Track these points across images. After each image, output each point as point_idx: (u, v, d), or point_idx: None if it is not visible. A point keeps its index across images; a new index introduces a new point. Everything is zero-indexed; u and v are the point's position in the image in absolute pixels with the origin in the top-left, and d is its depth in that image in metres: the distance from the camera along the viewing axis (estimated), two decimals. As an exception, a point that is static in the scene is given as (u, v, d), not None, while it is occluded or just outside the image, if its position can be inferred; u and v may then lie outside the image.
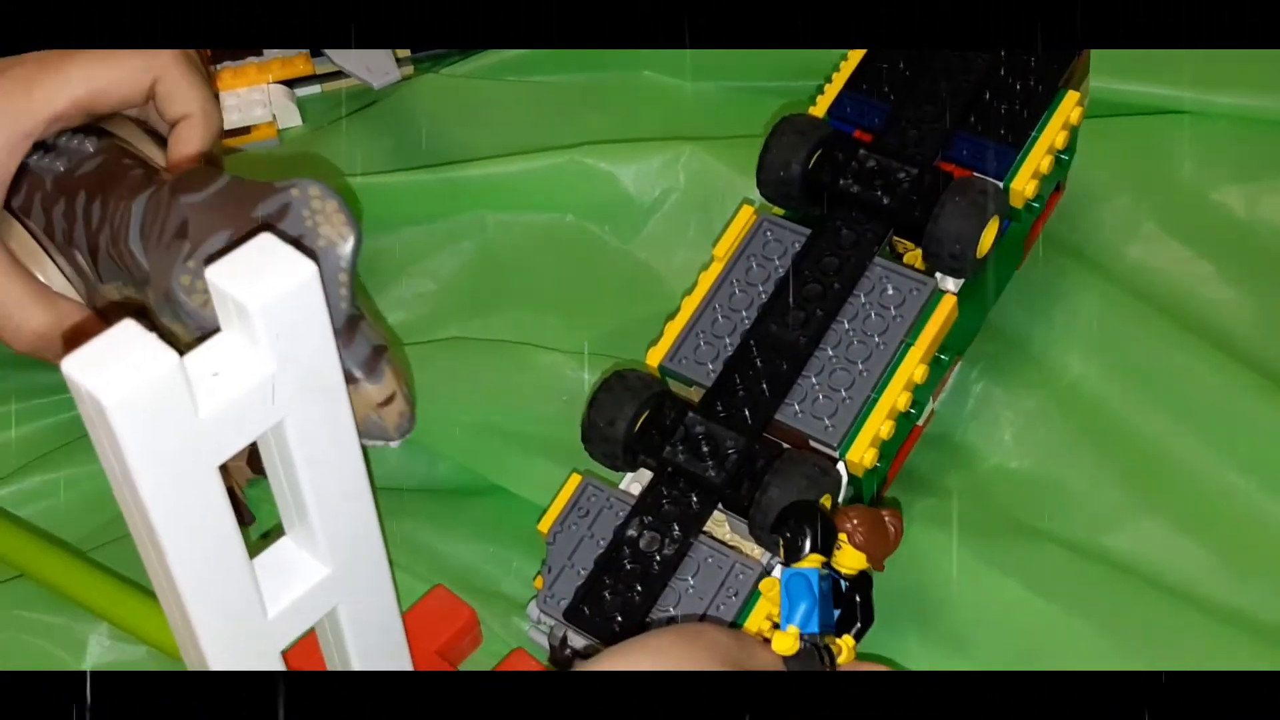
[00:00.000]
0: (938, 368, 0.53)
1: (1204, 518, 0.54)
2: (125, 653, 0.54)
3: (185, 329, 0.48)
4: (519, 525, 0.56)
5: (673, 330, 0.55)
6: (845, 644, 0.47)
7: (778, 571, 0.49)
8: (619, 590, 0.50)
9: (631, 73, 0.71)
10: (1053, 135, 0.55)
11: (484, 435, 0.58)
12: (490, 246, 0.66)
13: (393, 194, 0.66)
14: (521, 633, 0.53)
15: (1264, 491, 0.54)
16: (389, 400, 0.47)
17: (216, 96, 0.56)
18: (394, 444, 0.48)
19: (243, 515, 0.55)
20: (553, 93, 0.70)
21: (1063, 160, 0.56)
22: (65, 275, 0.54)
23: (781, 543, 0.48)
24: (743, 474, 0.51)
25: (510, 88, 0.71)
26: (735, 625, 0.49)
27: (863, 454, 0.51)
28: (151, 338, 0.33)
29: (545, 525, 0.52)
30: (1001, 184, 0.54)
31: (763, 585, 0.49)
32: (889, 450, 0.52)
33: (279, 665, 0.41)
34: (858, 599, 0.49)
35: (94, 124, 0.55)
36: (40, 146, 0.54)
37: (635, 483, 0.54)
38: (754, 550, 0.52)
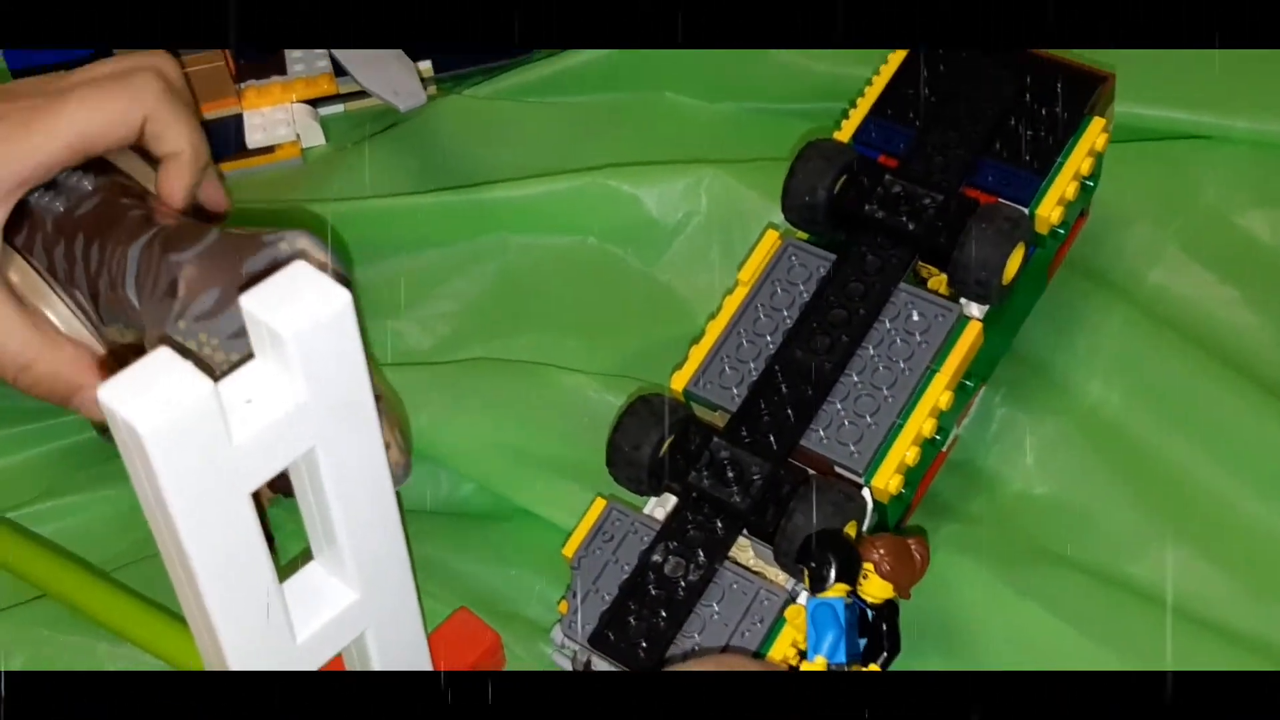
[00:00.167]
0: (963, 394, 0.53)
1: (1227, 544, 0.54)
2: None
3: None
4: (542, 548, 0.56)
5: (697, 355, 0.55)
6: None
7: (803, 598, 0.49)
8: (644, 616, 0.50)
9: (652, 93, 0.71)
10: (1078, 162, 0.55)
11: (507, 457, 0.58)
12: (512, 268, 0.66)
13: (415, 215, 0.66)
14: (545, 657, 0.53)
15: (1287, 518, 0.54)
16: (385, 447, 0.47)
17: (202, 126, 0.56)
18: None
19: (270, 540, 0.55)
20: (574, 114, 0.70)
21: (1088, 186, 0.56)
22: (73, 313, 0.54)
23: (806, 572, 0.48)
24: (768, 500, 0.51)
25: (532, 109, 0.71)
26: (760, 653, 0.49)
27: (888, 480, 0.51)
28: (187, 365, 0.33)
29: (570, 550, 0.52)
30: (1027, 210, 0.54)
31: (788, 613, 0.49)
32: (914, 477, 0.52)
33: (306, 690, 0.41)
34: (884, 628, 0.49)
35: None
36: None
37: (659, 507, 0.54)
38: (779, 576, 0.52)
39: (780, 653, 0.49)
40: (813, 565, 0.47)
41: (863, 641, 0.48)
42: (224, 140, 0.69)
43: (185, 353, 0.46)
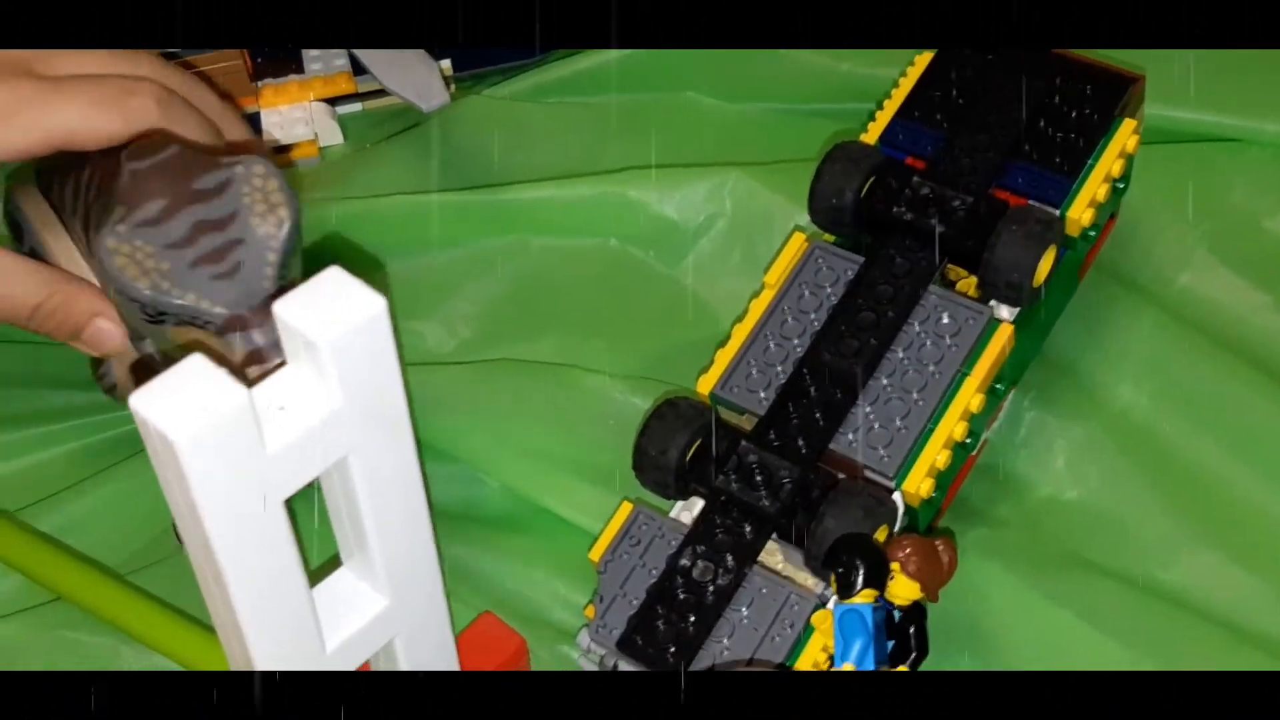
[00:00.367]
0: (994, 397, 0.53)
1: (1259, 550, 0.53)
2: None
3: (113, 295, 0.48)
4: (566, 552, 0.55)
5: (724, 358, 0.54)
6: None
7: (832, 604, 0.49)
8: (672, 620, 0.50)
9: (673, 94, 0.70)
10: (1109, 164, 0.54)
11: (530, 459, 0.58)
12: (533, 270, 0.65)
13: (434, 215, 0.66)
14: (570, 661, 0.53)
15: (1320, 525, 0.53)
16: None
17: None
18: None
19: None
20: (595, 115, 0.70)
21: (1118, 189, 0.55)
22: (74, 245, 0.54)
23: (834, 578, 0.47)
24: (797, 504, 0.50)
25: (551, 109, 0.70)
26: (789, 660, 0.48)
27: (919, 484, 0.50)
28: (221, 372, 0.32)
29: (596, 554, 0.52)
30: (1058, 212, 0.54)
31: (815, 619, 0.49)
32: (945, 480, 0.52)
33: (335, 698, 0.41)
34: (912, 630, 0.48)
35: None
36: None
37: (685, 511, 0.54)
38: (808, 580, 0.51)
39: (810, 659, 0.48)
40: (840, 571, 0.47)
41: (890, 644, 0.47)
42: (242, 139, 0.69)
43: (118, 257, 0.46)
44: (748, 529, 0.51)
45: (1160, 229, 0.61)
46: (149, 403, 0.32)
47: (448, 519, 0.57)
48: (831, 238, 0.57)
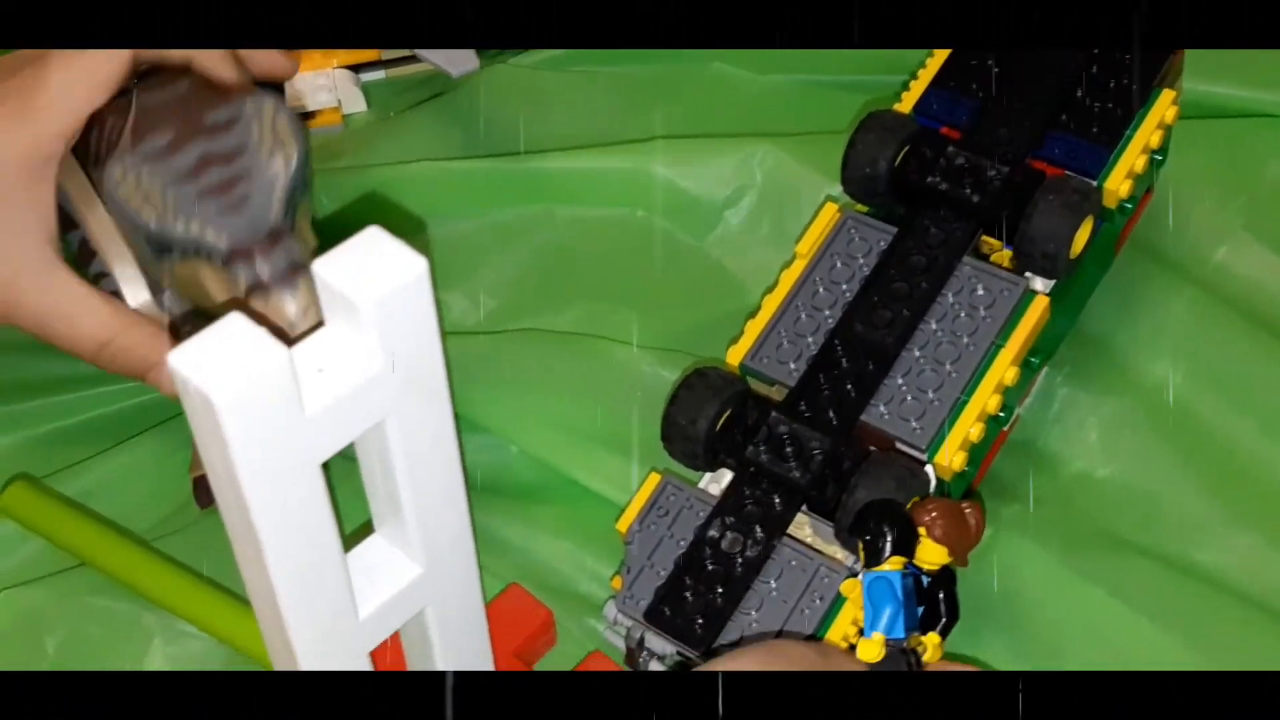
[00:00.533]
0: (1028, 371, 0.52)
1: (1293, 529, 0.53)
2: (190, 645, 0.53)
3: (120, 226, 0.48)
4: (593, 523, 0.55)
5: (754, 328, 0.53)
6: (931, 641, 0.46)
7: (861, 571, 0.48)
8: (700, 592, 0.49)
9: (701, 64, 0.70)
10: (1148, 134, 0.54)
11: (558, 430, 0.57)
12: (559, 240, 0.65)
13: (460, 183, 0.65)
14: (596, 633, 0.52)
15: (1356, 503, 0.53)
16: (303, 314, 0.46)
17: None
18: None
19: None
20: (622, 84, 0.69)
21: (1156, 160, 0.55)
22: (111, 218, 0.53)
23: (861, 546, 0.47)
24: (828, 475, 0.50)
25: (579, 79, 0.70)
26: (819, 633, 0.48)
27: (951, 457, 0.50)
28: (260, 332, 0.32)
29: (624, 524, 0.51)
30: (1095, 183, 0.53)
31: (843, 587, 0.48)
32: (978, 454, 0.51)
33: (367, 666, 0.41)
34: (941, 595, 0.48)
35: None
36: None
37: (714, 483, 0.53)
38: (837, 553, 0.51)
39: (841, 631, 0.48)
40: (867, 539, 0.46)
41: (920, 610, 0.47)
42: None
43: (123, 187, 0.46)
44: (777, 500, 0.50)
45: (1196, 204, 0.60)
46: (189, 362, 0.31)
47: (474, 489, 0.56)
48: (864, 208, 0.56)
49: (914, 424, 0.50)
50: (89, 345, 0.51)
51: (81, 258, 0.52)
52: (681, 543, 0.50)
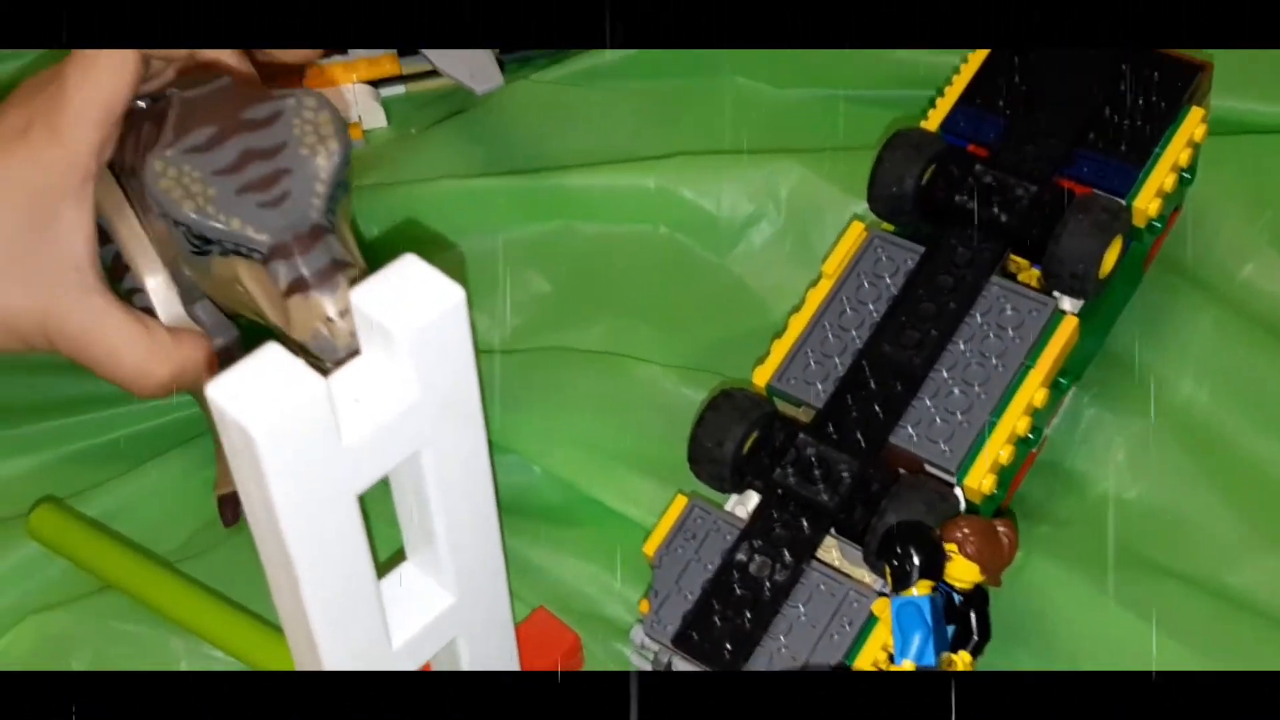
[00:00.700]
0: (1057, 392, 0.52)
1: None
2: (217, 669, 0.53)
3: (158, 217, 0.47)
4: (618, 545, 0.55)
5: (780, 349, 0.53)
6: (962, 660, 0.46)
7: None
8: (729, 616, 0.49)
9: (723, 78, 0.69)
10: (1176, 152, 0.53)
11: (582, 450, 0.57)
12: (581, 257, 0.64)
13: (482, 200, 0.65)
14: (623, 657, 0.52)
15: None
16: (342, 315, 0.45)
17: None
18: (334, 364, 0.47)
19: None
20: (644, 99, 0.69)
21: (1185, 179, 0.54)
22: (144, 230, 0.53)
23: (888, 570, 0.46)
24: (856, 498, 0.49)
25: (599, 94, 0.69)
26: (848, 659, 0.48)
27: (981, 479, 0.49)
28: (298, 363, 0.32)
29: (651, 547, 0.51)
30: (1124, 201, 0.53)
31: (875, 607, 0.48)
32: (1007, 476, 0.51)
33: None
34: (973, 614, 0.47)
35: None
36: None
37: (740, 505, 0.53)
38: (865, 575, 0.50)
39: (871, 656, 0.47)
40: (894, 564, 0.46)
41: (951, 629, 0.46)
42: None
43: (164, 180, 0.45)
44: (805, 524, 0.50)
45: (1222, 222, 0.60)
46: (227, 393, 0.31)
47: (499, 510, 0.56)
48: (890, 227, 0.56)
49: (943, 446, 0.50)
50: (133, 378, 0.50)
51: (114, 273, 0.52)
52: (709, 566, 0.50)
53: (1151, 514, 0.54)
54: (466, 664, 0.42)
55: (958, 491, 0.50)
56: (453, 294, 0.33)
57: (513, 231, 0.65)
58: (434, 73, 0.69)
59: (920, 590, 0.46)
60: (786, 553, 0.50)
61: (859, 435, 0.51)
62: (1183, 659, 0.50)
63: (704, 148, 0.66)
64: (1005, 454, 0.50)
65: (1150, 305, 0.58)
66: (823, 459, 0.50)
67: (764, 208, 0.64)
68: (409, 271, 0.33)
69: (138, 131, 0.50)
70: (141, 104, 0.52)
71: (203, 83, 0.49)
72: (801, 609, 0.49)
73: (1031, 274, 0.54)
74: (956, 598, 0.47)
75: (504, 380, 0.59)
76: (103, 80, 0.49)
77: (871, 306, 0.53)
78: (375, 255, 0.39)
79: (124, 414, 0.60)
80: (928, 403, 0.51)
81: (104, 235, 0.52)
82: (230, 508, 0.56)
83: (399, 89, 0.71)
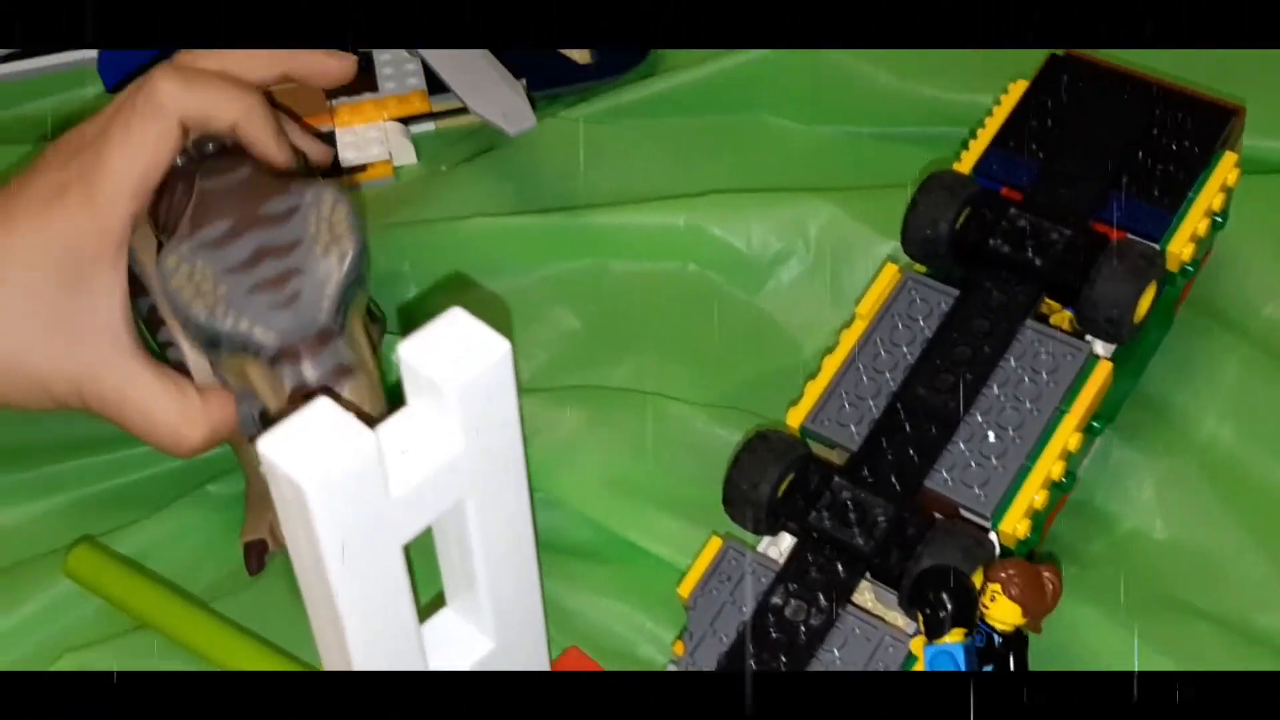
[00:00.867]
0: (1090, 435, 0.52)
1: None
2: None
3: (169, 313, 0.48)
4: (650, 584, 0.54)
5: (814, 390, 0.53)
6: None
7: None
8: (764, 660, 0.49)
9: (752, 116, 0.70)
10: (1210, 197, 0.53)
11: (613, 489, 0.57)
12: (611, 295, 0.64)
13: (511, 238, 0.65)
14: (656, 698, 0.52)
15: None
16: None
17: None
18: None
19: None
20: (672, 137, 0.69)
21: (1218, 223, 0.54)
22: None
23: (921, 618, 0.46)
24: (892, 542, 0.49)
25: (627, 132, 0.69)
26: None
27: (1016, 524, 0.49)
28: (348, 417, 0.32)
29: (685, 589, 0.51)
30: (1158, 246, 0.53)
31: (914, 645, 0.48)
32: (1041, 520, 0.51)
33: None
34: (1011, 658, 0.47)
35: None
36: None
37: (772, 545, 0.53)
38: (899, 619, 0.50)
39: (906, 702, 0.47)
40: (927, 611, 0.46)
41: (988, 669, 0.46)
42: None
43: (176, 277, 0.46)
44: (840, 567, 0.50)
45: (1250, 261, 0.60)
46: (277, 448, 0.31)
47: (531, 550, 0.56)
48: (923, 269, 0.56)
49: (978, 490, 0.50)
50: (168, 439, 0.51)
51: (150, 325, 0.52)
52: (744, 609, 0.50)
53: (1181, 554, 0.54)
54: (505, 710, 0.42)
55: (992, 536, 0.50)
56: (498, 347, 0.33)
57: (542, 269, 0.65)
58: (464, 109, 0.69)
59: (953, 638, 0.45)
60: (822, 597, 0.50)
61: (894, 479, 0.51)
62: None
63: (734, 185, 0.66)
64: (1040, 499, 0.50)
65: (1179, 344, 0.58)
66: (858, 503, 0.50)
67: (793, 245, 0.64)
68: (456, 324, 0.34)
69: (172, 192, 0.51)
70: (179, 161, 0.52)
71: (224, 171, 0.49)
72: (836, 653, 0.49)
73: (1063, 315, 0.54)
74: (996, 639, 0.47)
75: (532, 418, 0.58)
76: (142, 151, 0.49)
77: (905, 349, 0.53)
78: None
79: (153, 453, 0.60)
80: (962, 446, 0.51)
81: (140, 286, 0.53)
82: (255, 555, 0.55)
83: (429, 126, 0.71)
